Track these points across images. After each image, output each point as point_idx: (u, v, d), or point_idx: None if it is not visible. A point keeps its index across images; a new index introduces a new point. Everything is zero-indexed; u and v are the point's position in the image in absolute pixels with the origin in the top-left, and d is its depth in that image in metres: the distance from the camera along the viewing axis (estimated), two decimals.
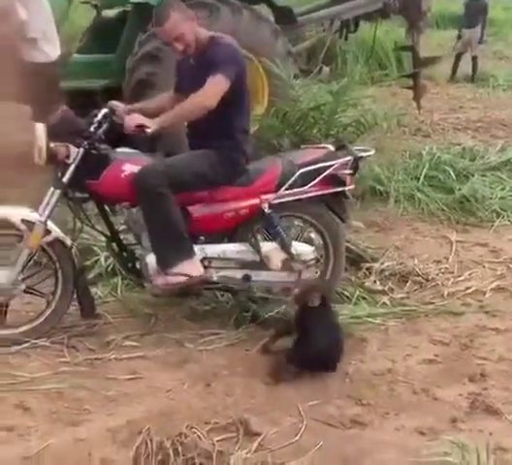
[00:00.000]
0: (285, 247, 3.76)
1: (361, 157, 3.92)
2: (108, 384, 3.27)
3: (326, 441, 2.87)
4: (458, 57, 12.36)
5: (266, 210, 3.72)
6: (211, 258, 3.69)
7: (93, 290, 4.08)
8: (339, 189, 3.86)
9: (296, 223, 4.04)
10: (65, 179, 3.53)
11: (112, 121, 3.63)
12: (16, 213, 3.57)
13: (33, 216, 3.55)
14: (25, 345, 3.53)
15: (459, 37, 12.49)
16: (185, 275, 3.56)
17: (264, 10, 6.76)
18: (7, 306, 3.65)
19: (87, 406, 3.10)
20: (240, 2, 6.08)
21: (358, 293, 4.16)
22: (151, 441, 2.66)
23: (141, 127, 3.45)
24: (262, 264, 3.74)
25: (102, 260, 4.35)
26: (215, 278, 3.71)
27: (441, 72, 11.85)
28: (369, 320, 3.89)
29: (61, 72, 5.60)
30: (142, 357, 3.51)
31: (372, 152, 4.09)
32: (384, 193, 5.80)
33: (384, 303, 4.11)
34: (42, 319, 3.66)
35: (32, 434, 2.89)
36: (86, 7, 7.37)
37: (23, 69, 5.39)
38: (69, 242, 3.61)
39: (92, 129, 3.57)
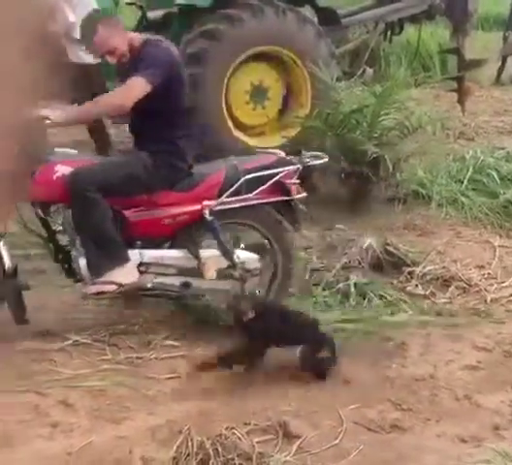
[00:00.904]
0: (227, 255, 3.64)
1: (309, 165, 3.78)
2: (148, 383, 3.30)
3: (366, 445, 2.86)
4: (503, 60, 12.18)
5: (207, 217, 3.59)
6: (149, 263, 3.59)
7: None
8: (284, 198, 3.72)
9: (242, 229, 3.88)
10: None
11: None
12: None
13: None
14: (68, 342, 3.58)
15: (504, 39, 12.31)
16: (116, 283, 3.48)
17: (308, 11, 6.75)
18: None
19: (128, 404, 3.13)
20: (284, 3, 6.08)
21: (399, 297, 4.13)
22: (192, 441, 2.67)
23: (44, 118, 3.37)
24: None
25: None
26: (152, 284, 3.62)
27: (486, 74, 11.68)
28: (411, 324, 3.87)
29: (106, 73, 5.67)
30: (182, 357, 3.53)
31: (325, 160, 3.87)
32: (427, 196, 5.74)
33: (426, 308, 4.07)
34: None
35: (75, 430, 2.94)
36: (131, 8, 7.44)
37: (70, 70, 5.47)
38: None
39: None
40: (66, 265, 3.67)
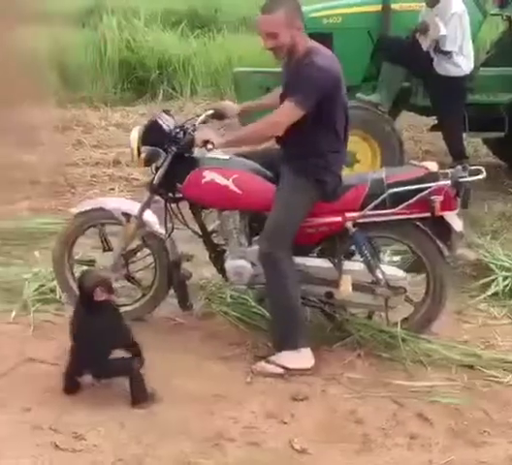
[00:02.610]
0: (370, 269, 3.53)
1: (461, 182, 3.44)
2: (507, 409, 3.18)
3: None
4: None
5: (350, 229, 3.49)
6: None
7: (489, 309, 4.08)
8: (429, 215, 3.47)
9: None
10: (154, 182, 3.65)
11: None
12: (119, 205, 3.82)
13: (132, 209, 3.73)
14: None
15: None
16: (283, 367, 3.42)
17: None
18: None
19: (487, 429, 3.03)
20: None
21: None
22: None
23: (206, 142, 3.43)
24: None
25: (500, 279, 4.27)
26: None
27: None
28: None
29: (469, 85, 5.61)
30: None
31: (482, 176, 3.52)
32: None
33: None
34: (137, 305, 3.88)
35: (433, 446, 2.92)
36: (492, 19, 7.25)
37: (435, 81, 5.52)
38: (163, 236, 3.74)
39: (180, 134, 3.59)
40: (218, 265, 3.78)
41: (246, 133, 3.60)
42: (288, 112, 3.38)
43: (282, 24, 3.36)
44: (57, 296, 4.11)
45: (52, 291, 4.15)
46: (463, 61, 5.43)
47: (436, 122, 5.99)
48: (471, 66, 5.52)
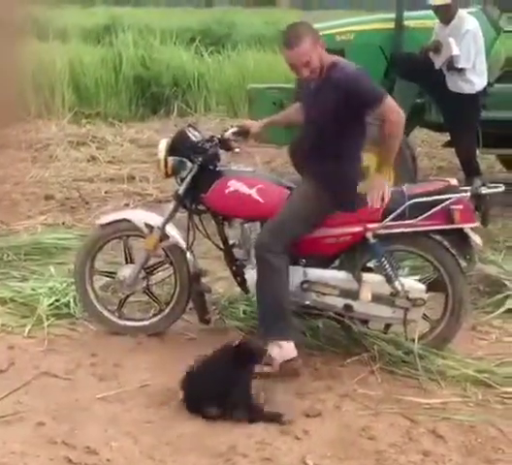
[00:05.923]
0: (389, 281, 3.55)
1: (482, 194, 3.54)
2: None
3: None
4: None
5: (369, 240, 3.52)
6: (311, 281, 3.59)
7: (504, 325, 4.06)
8: (450, 226, 3.51)
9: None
10: (180, 191, 3.72)
11: (225, 140, 3.73)
12: (143, 216, 3.88)
13: (155, 221, 3.78)
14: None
15: None
16: (269, 362, 3.42)
17: None
18: (126, 299, 3.95)
19: (501, 446, 3.01)
20: None
21: None
22: None
23: None
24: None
25: None
26: (312, 303, 3.62)
27: None
28: None
29: (483, 102, 5.61)
30: None
31: (500, 189, 3.63)
32: None
33: None
34: (153, 320, 3.91)
35: (447, 463, 2.90)
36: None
37: (448, 98, 5.53)
38: (185, 248, 3.77)
39: (206, 146, 3.66)
40: (238, 278, 3.80)
41: (393, 139, 3.62)
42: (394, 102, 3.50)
43: (311, 51, 3.45)
44: (72, 311, 4.13)
45: (67, 305, 4.17)
46: (475, 78, 5.44)
47: (450, 138, 6.00)
48: (484, 83, 5.53)
